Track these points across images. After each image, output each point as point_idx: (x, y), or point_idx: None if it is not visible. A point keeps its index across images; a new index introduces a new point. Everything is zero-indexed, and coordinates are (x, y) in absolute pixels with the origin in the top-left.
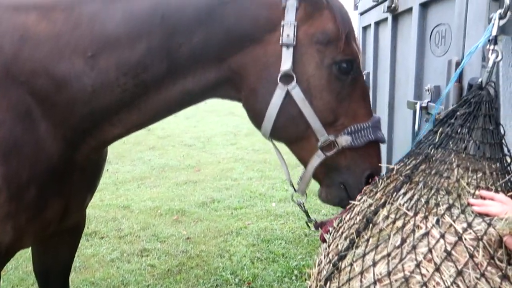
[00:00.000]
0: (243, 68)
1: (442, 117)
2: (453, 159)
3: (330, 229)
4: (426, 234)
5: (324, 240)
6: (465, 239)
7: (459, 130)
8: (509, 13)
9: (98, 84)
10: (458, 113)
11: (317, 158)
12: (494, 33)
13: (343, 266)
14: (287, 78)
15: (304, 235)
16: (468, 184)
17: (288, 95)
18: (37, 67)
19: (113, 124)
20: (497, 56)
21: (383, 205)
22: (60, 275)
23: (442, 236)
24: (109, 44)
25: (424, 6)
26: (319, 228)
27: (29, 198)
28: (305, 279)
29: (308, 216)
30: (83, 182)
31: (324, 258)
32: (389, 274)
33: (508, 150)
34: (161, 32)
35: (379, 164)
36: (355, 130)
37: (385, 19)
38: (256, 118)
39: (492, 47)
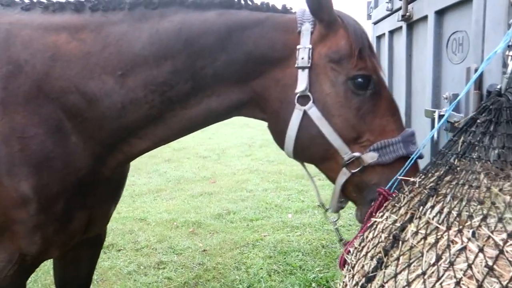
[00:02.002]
0: (265, 90)
1: (461, 126)
2: (479, 168)
3: (351, 249)
4: (463, 249)
5: (344, 263)
6: (506, 251)
7: (481, 138)
8: None
9: (127, 101)
10: (478, 120)
11: (343, 176)
12: None
13: None
14: (304, 99)
15: (321, 246)
16: (500, 190)
17: (305, 115)
18: (68, 84)
19: (140, 138)
20: None
21: (410, 221)
22: (81, 287)
23: (481, 250)
24: (137, 64)
25: (439, 14)
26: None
27: (57, 210)
28: None
29: (339, 234)
30: (108, 194)
31: (349, 281)
32: None
33: None
34: (185, 54)
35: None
36: (382, 146)
37: (400, 28)
38: (279, 140)
39: (510, 53)
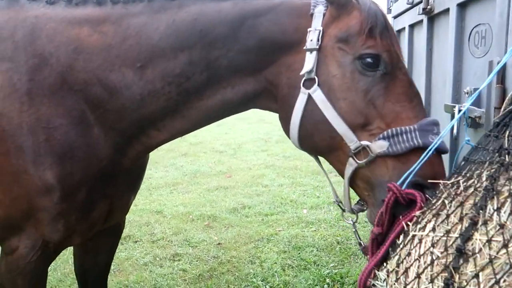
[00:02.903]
0: (276, 78)
1: (499, 120)
2: None
3: (381, 274)
4: None
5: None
6: None
7: None
8: None
9: (145, 92)
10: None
11: (350, 167)
12: None
13: None
14: (309, 82)
15: (336, 242)
16: None
17: (309, 99)
18: (91, 77)
19: (158, 129)
20: None
21: (472, 228)
22: (100, 275)
23: None
24: (155, 55)
25: (462, 6)
26: (366, 254)
27: (79, 198)
28: None
29: (358, 238)
30: (128, 184)
31: None
32: None
33: None
34: (200, 46)
35: (436, 177)
36: (393, 134)
37: (420, 22)
38: (285, 128)
39: None
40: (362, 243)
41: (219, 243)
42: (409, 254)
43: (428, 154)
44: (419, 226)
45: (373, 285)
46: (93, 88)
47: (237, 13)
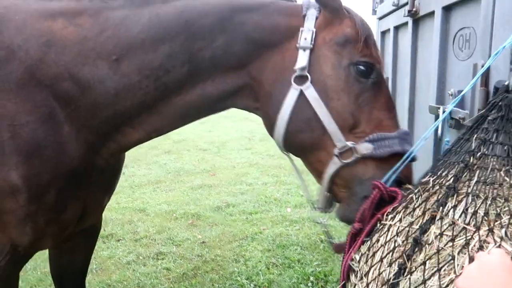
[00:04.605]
0: (261, 74)
1: (472, 124)
2: (496, 165)
3: (357, 256)
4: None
5: (349, 271)
6: None
7: (495, 135)
8: None
9: (120, 87)
10: (489, 117)
11: (333, 166)
12: None
13: None
14: (301, 79)
15: (320, 241)
16: None
17: (301, 95)
18: (62, 71)
19: (133, 127)
20: None
21: (431, 222)
22: (76, 277)
23: None
24: (133, 47)
25: (447, 10)
26: (340, 252)
27: (49, 200)
28: (322, 286)
29: (329, 236)
30: (102, 184)
31: None
32: None
33: None
34: (184, 36)
35: (410, 180)
36: (378, 138)
37: (405, 24)
38: (270, 123)
39: None
40: (334, 241)
41: (203, 242)
42: (378, 240)
43: (409, 158)
44: (390, 216)
45: (350, 265)
46: (64, 83)
47: (226, 6)
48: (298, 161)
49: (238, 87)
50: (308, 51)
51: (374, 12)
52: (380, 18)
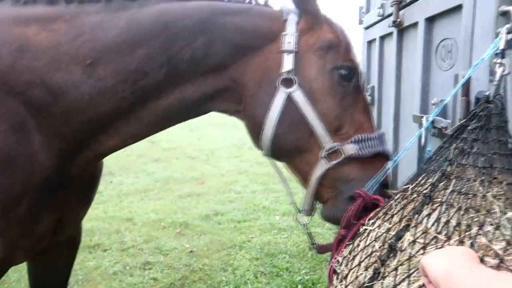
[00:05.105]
0: (243, 76)
1: (452, 133)
2: (473, 175)
3: (340, 259)
4: None
5: (334, 273)
6: (506, 260)
7: (474, 145)
8: None
9: (95, 91)
10: (469, 127)
11: (321, 168)
12: (501, 46)
13: None
14: (288, 82)
15: (308, 249)
16: (495, 197)
17: (289, 98)
18: (35, 77)
19: (109, 134)
20: (504, 70)
21: (406, 229)
22: None
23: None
24: (109, 50)
25: (430, 21)
26: (323, 252)
27: (21, 212)
28: None
29: (311, 238)
30: (78, 195)
31: None
32: None
33: None
34: (162, 38)
35: (389, 179)
36: (362, 139)
37: (390, 34)
38: (256, 126)
39: (499, 60)
40: (316, 243)
41: (191, 251)
42: (358, 244)
43: (392, 165)
44: (371, 221)
45: (334, 268)
46: (36, 89)
47: (206, 8)
48: (281, 167)
49: (219, 90)
50: (292, 55)
51: (361, 21)
52: (366, 28)
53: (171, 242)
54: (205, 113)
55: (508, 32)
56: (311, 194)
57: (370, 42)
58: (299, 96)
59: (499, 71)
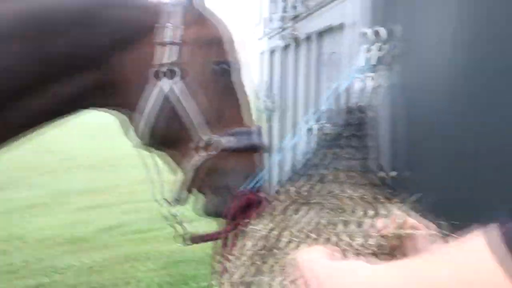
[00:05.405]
0: (124, 69)
1: (327, 139)
2: (344, 178)
3: (232, 258)
4: None
5: (225, 270)
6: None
7: (347, 150)
8: (384, 45)
9: None
10: (343, 134)
11: (198, 159)
12: (363, 63)
13: None
14: (169, 74)
15: (179, 241)
16: (360, 198)
17: (170, 90)
18: None
19: None
20: (366, 82)
21: (284, 229)
22: None
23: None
24: None
25: (320, 35)
26: (197, 243)
27: None
28: None
29: (184, 229)
30: None
31: None
32: None
33: (381, 165)
34: (33, 33)
35: (264, 171)
36: (238, 132)
37: (288, 45)
38: (135, 117)
39: (370, 74)
40: (189, 233)
41: (90, 267)
42: (244, 244)
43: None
44: (256, 220)
45: (225, 266)
46: None
47: (85, 0)
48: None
49: (96, 84)
50: (175, 47)
51: (259, 32)
52: (259, 39)
53: (68, 259)
54: (85, 108)
55: (379, 50)
56: (186, 184)
57: (268, 52)
58: (179, 88)
59: (370, 84)
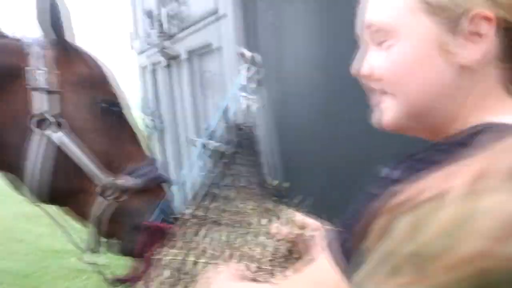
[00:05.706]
0: None
1: (215, 158)
2: (235, 194)
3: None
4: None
5: None
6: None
7: (233, 168)
8: (254, 67)
9: None
10: (227, 152)
11: (100, 206)
12: (244, 82)
13: None
14: (44, 123)
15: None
16: (252, 209)
17: (49, 140)
18: None
19: None
20: (249, 101)
21: (188, 252)
22: None
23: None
24: None
25: (191, 54)
26: (122, 283)
27: None
28: None
29: (104, 274)
30: None
31: None
32: None
33: (265, 180)
34: None
35: (170, 203)
36: (133, 170)
37: (160, 62)
38: (18, 175)
39: (244, 94)
40: (110, 277)
41: None
42: (151, 275)
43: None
44: (161, 250)
45: None
46: None
47: None
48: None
49: None
50: (45, 93)
51: (132, 47)
52: (139, 54)
53: None
54: None
55: (248, 70)
56: (94, 233)
57: (143, 68)
58: (60, 137)
59: (245, 102)
